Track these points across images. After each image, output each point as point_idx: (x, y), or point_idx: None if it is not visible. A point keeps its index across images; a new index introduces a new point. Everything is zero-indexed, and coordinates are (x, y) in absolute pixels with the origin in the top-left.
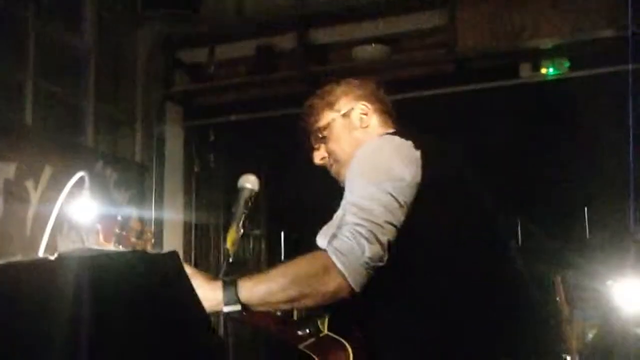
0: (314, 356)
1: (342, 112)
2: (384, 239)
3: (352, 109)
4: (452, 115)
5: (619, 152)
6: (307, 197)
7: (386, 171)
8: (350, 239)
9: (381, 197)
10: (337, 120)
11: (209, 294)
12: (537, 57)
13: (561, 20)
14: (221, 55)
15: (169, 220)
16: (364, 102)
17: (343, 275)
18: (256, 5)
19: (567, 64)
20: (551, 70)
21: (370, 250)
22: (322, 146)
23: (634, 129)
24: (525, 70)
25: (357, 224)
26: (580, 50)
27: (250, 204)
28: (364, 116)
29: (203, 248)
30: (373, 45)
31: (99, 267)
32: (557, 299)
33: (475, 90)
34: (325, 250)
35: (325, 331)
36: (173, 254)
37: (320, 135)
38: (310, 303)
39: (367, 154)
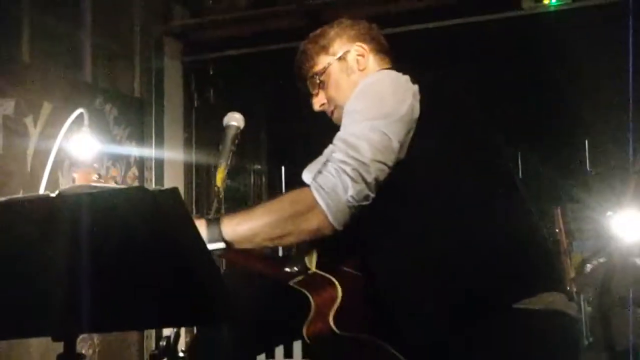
0: (305, 291)
1: (338, 55)
2: (370, 177)
3: (348, 51)
4: (454, 48)
5: (620, 83)
6: (308, 131)
7: (380, 108)
8: (334, 176)
9: (372, 135)
10: (334, 65)
11: None
12: None
13: None
14: None
15: (169, 155)
16: (359, 43)
17: (324, 213)
18: None
19: None
20: (554, 0)
21: (353, 189)
22: (321, 92)
23: (634, 59)
24: (527, 1)
25: (343, 161)
26: None
27: (237, 141)
28: (360, 58)
29: (204, 183)
30: None
31: (99, 203)
32: (557, 230)
33: (476, 22)
34: (309, 186)
35: (313, 268)
36: (173, 190)
37: (317, 81)
38: (293, 240)
39: (363, 90)
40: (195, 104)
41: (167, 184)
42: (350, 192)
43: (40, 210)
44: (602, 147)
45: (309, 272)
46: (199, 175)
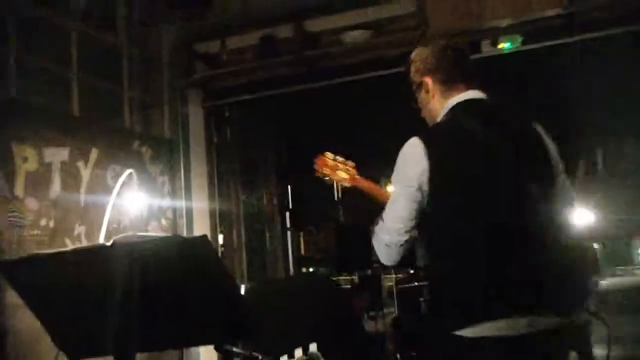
0: None
1: (418, 84)
2: (387, 238)
3: (421, 84)
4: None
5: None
6: (307, 156)
7: (402, 179)
8: (373, 232)
9: (395, 201)
10: (418, 92)
11: None
12: (495, 35)
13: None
14: (231, 45)
15: (195, 183)
16: (426, 78)
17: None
18: (259, 1)
19: (520, 39)
20: (507, 45)
21: (376, 246)
22: None
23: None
24: (486, 46)
25: (375, 226)
26: (532, 27)
27: None
28: (427, 92)
29: (224, 201)
30: (360, 31)
31: (146, 251)
32: None
33: None
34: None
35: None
36: (203, 237)
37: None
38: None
39: (396, 164)
40: (215, 141)
41: (195, 207)
42: (375, 246)
43: (99, 256)
44: None
45: None
46: (221, 195)
